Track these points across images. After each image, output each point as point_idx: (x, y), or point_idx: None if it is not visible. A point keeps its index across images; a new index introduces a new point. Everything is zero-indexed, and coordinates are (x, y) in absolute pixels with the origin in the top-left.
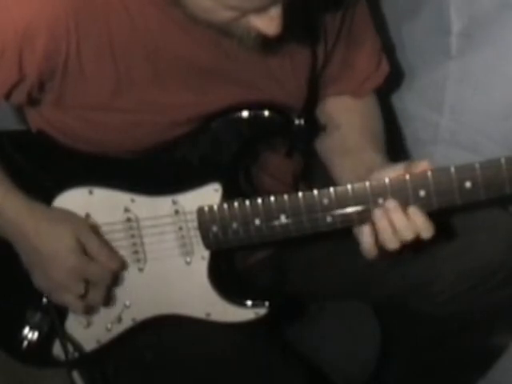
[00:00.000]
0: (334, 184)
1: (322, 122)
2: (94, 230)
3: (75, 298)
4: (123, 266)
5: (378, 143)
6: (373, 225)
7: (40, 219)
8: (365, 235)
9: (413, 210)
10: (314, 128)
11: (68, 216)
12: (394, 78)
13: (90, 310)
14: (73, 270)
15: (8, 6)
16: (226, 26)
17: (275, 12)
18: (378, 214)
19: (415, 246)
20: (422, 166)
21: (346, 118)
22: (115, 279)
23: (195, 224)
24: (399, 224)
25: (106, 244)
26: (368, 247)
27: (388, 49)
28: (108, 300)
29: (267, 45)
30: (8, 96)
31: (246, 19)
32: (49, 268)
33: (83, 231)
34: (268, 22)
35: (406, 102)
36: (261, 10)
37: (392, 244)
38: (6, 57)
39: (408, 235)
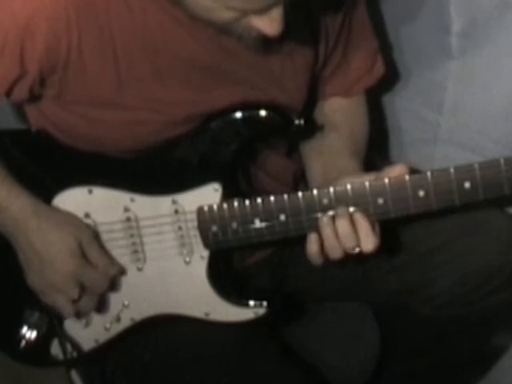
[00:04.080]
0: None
1: (319, 123)
2: (95, 235)
3: (67, 301)
4: (121, 273)
5: (356, 147)
6: (319, 232)
7: (43, 218)
8: (310, 242)
9: (359, 217)
10: (314, 128)
11: (71, 219)
12: (394, 78)
13: (79, 315)
14: (71, 273)
15: (10, 1)
16: (226, 26)
17: (276, 13)
18: (324, 220)
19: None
20: (398, 170)
21: (330, 117)
22: (111, 287)
23: (195, 224)
24: (342, 231)
25: (106, 251)
26: (312, 255)
27: (387, 48)
28: (100, 307)
29: (267, 44)
30: (9, 93)
31: (247, 19)
32: (46, 268)
33: (85, 236)
34: (269, 23)
35: (406, 101)
36: (262, 11)
37: (335, 253)
38: (7, 51)
39: (349, 243)
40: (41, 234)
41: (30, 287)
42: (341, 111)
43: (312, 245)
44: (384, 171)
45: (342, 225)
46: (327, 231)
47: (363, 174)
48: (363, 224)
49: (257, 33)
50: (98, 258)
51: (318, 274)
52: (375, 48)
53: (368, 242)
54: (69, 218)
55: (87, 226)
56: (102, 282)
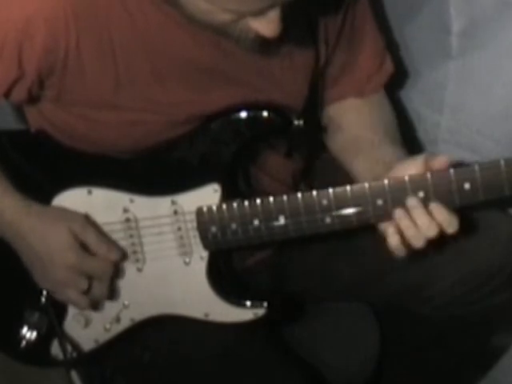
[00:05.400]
0: (334, 185)
1: (327, 126)
2: (91, 223)
3: (79, 294)
4: (123, 256)
5: (392, 136)
6: (396, 224)
7: (36, 219)
8: (389, 236)
9: (434, 206)
10: (314, 129)
11: (64, 213)
12: (394, 78)
13: (94, 305)
14: (73, 266)
15: (9, 2)
16: (224, 27)
17: (274, 15)
18: (399, 213)
19: (441, 240)
20: (441, 161)
21: (355, 117)
22: (117, 271)
23: (194, 224)
24: (421, 221)
25: (105, 236)
26: (395, 247)
27: (388, 49)
28: (111, 293)
29: (266, 46)
30: (8, 94)
31: (245, 21)
32: (48, 267)
33: (80, 227)
34: (266, 25)
35: (406, 101)
36: (259, 12)
37: (417, 241)
38: (5, 53)
39: (432, 232)
40: (37, 235)
41: (34, 288)
42: (363, 110)
43: (393, 237)
44: (428, 158)
45: (420, 216)
46: (406, 223)
47: (411, 159)
48: (442, 211)
49: (254, 34)
50: (97, 244)
51: (317, 275)
52: (382, 46)
53: (452, 224)
54: (60, 213)
55: (81, 215)
56: (106, 267)
